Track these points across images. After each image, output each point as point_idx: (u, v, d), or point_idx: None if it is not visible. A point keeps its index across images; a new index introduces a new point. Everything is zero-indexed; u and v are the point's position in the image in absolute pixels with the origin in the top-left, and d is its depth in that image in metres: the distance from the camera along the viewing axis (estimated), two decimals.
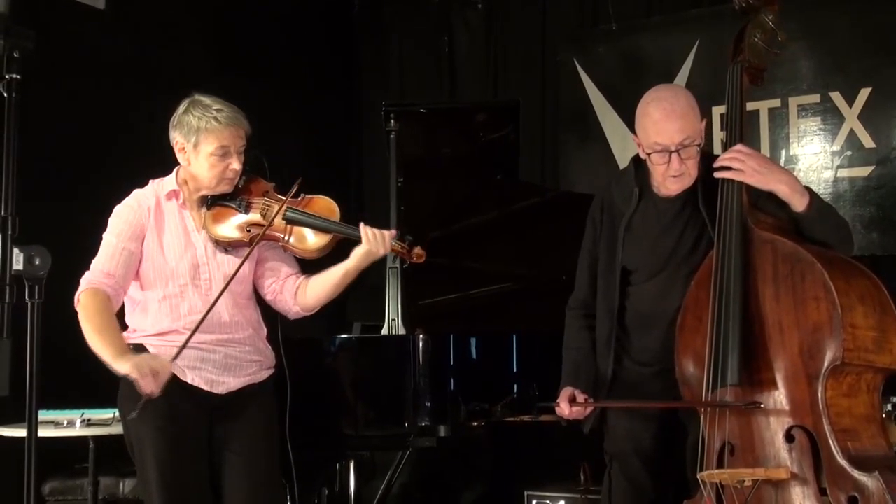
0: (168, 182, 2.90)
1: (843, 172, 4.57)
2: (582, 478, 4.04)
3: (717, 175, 2.62)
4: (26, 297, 1.99)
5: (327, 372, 3.50)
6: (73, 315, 2.74)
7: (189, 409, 2.77)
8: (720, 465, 2.48)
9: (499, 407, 3.55)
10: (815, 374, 2.37)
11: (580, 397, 2.79)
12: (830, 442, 2.33)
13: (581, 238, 2.98)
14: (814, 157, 4.64)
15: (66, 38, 4.22)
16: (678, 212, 2.77)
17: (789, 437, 2.40)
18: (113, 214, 2.86)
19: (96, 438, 3.64)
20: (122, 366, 2.58)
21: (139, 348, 2.80)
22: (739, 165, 2.58)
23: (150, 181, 2.93)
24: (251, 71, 5.13)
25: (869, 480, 2.27)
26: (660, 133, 2.65)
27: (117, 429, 3.15)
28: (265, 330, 3.00)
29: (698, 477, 2.49)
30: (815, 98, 4.63)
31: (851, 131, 4.54)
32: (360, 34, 6.15)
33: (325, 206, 2.93)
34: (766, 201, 2.62)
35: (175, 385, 2.73)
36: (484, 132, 4.26)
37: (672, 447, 2.81)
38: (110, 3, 4.57)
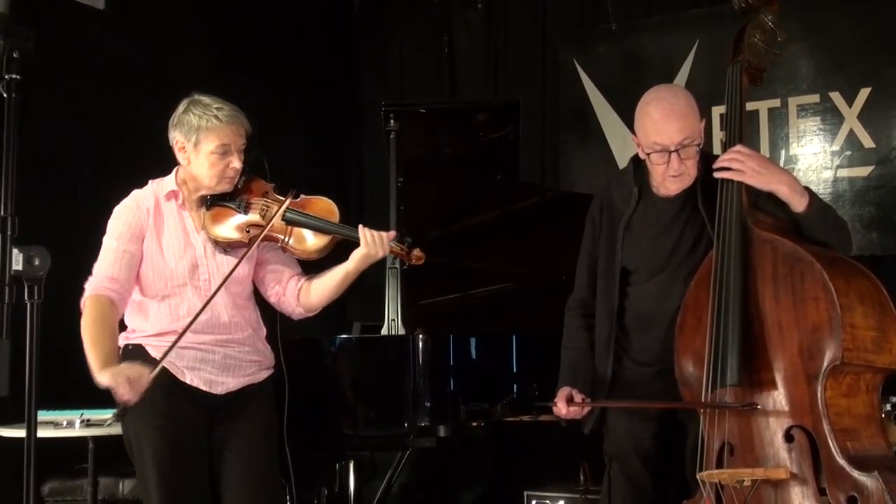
0: (167, 182, 2.90)
1: (843, 172, 4.57)
2: (582, 478, 4.03)
3: (717, 175, 2.62)
4: (26, 298, 1.99)
5: (327, 372, 3.50)
6: (73, 315, 2.74)
7: (188, 410, 2.77)
8: (720, 465, 2.48)
9: (499, 407, 3.55)
10: (815, 374, 2.37)
11: (577, 397, 2.79)
12: (830, 442, 2.33)
13: (581, 238, 2.99)
14: (813, 157, 4.64)
15: (66, 38, 4.22)
16: (677, 212, 2.77)
17: (789, 437, 2.40)
18: (112, 217, 2.86)
19: (96, 439, 3.64)
20: (101, 377, 2.57)
21: (138, 348, 2.81)
22: (739, 166, 2.58)
23: (150, 181, 2.93)
24: (251, 71, 5.13)
25: (868, 480, 2.27)
26: (659, 133, 2.65)
27: (117, 429, 3.15)
28: (264, 330, 3.00)
29: (698, 477, 2.49)
30: (815, 98, 4.63)
31: (851, 131, 4.54)
32: (360, 34, 6.15)
33: (325, 207, 2.93)
34: (765, 201, 2.62)
35: (174, 385, 2.73)
36: (484, 132, 4.26)
37: (672, 447, 2.81)
38: (110, 3, 4.57)
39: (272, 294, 2.99)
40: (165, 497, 2.70)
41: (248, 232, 2.86)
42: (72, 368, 2.74)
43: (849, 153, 4.56)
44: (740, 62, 2.72)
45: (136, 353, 2.79)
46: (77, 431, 3.59)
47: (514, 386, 3.64)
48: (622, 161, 4.90)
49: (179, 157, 2.86)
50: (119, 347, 2.79)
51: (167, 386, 2.68)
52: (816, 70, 4.62)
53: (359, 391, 3.49)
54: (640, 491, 2.83)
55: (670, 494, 2.82)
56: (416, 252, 2.93)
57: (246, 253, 2.83)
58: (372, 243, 2.84)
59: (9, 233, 1.96)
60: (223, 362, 2.83)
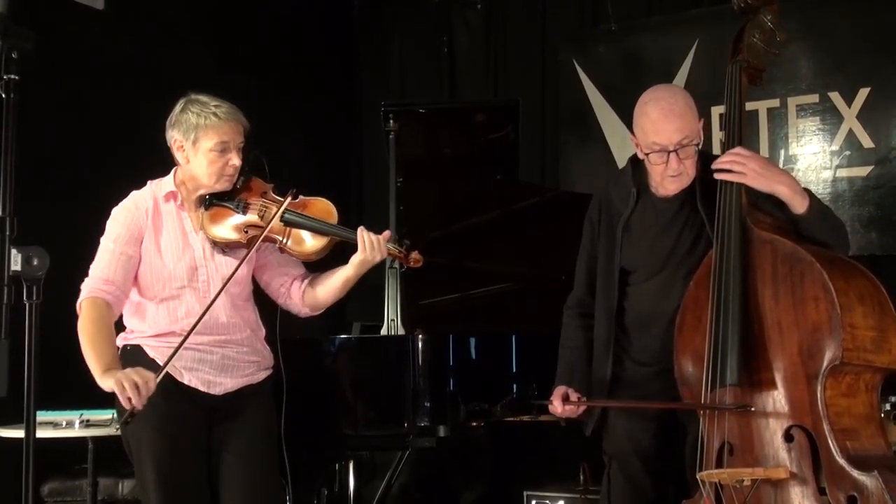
0: (166, 183, 2.89)
1: (842, 172, 4.57)
2: (581, 478, 4.03)
3: (717, 177, 2.62)
4: (24, 298, 1.98)
5: (327, 372, 3.50)
6: (72, 316, 2.74)
7: (187, 410, 2.77)
8: (719, 465, 2.48)
9: (498, 407, 3.55)
10: (815, 374, 2.37)
11: (573, 396, 2.79)
12: (829, 441, 2.33)
13: (580, 238, 2.98)
14: (813, 157, 4.64)
15: (65, 38, 4.22)
16: (676, 212, 2.77)
17: (788, 437, 2.40)
18: (110, 218, 2.85)
19: (95, 439, 3.64)
20: (105, 382, 2.57)
21: (137, 349, 2.81)
22: (740, 168, 2.58)
23: (148, 182, 2.92)
24: (251, 71, 5.13)
25: (868, 480, 2.27)
26: (658, 133, 2.65)
27: (116, 429, 3.15)
28: (263, 331, 3.00)
29: (697, 477, 2.49)
30: (815, 98, 4.62)
31: (850, 131, 4.54)
32: (360, 34, 6.15)
33: (324, 208, 2.92)
34: (764, 202, 2.62)
35: (172, 386, 2.73)
36: (484, 132, 4.27)
37: (671, 447, 2.80)
38: (110, 3, 4.57)
39: (279, 296, 3.00)
40: (164, 497, 2.70)
41: (246, 232, 2.86)
42: (71, 369, 2.75)
43: (848, 153, 4.56)
44: (740, 62, 2.72)
45: (134, 354, 2.79)
46: (76, 432, 3.59)
47: (514, 386, 3.63)
48: (622, 161, 4.89)
49: (178, 156, 2.86)
50: (117, 348, 2.78)
51: (166, 387, 2.67)
52: (816, 70, 4.62)
53: (358, 391, 3.49)
54: (640, 491, 2.83)
55: (670, 494, 2.82)
56: (415, 255, 2.92)
57: (246, 256, 2.82)
58: (370, 248, 2.84)
59: (7, 233, 1.96)
60: (221, 363, 2.83)
